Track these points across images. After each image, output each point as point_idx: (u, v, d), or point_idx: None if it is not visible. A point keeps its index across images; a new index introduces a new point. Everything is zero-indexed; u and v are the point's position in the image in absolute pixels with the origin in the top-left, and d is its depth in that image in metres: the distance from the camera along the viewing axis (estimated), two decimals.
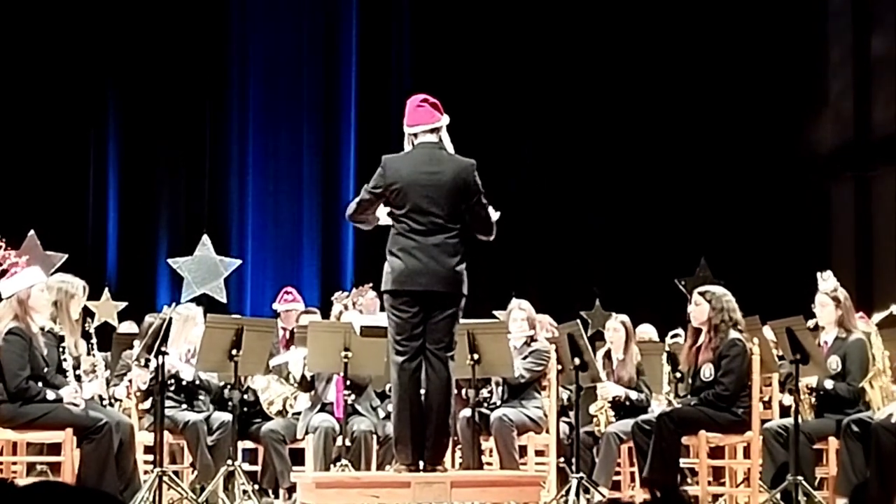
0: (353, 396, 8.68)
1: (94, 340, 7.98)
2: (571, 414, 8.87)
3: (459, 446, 8.66)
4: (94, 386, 7.78)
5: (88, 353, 7.92)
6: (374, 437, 8.67)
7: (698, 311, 7.94)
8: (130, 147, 13.11)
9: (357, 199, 6.97)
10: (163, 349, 7.92)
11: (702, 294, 7.97)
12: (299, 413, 8.98)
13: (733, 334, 7.81)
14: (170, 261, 12.06)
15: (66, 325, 7.61)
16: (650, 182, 13.62)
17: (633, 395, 9.08)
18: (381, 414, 8.82)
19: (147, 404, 8.72)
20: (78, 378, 7.60)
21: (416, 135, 6.95)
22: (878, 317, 8.34)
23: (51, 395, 7.40)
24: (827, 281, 8.39)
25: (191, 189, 13.30)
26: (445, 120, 6.98)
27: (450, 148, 6.96)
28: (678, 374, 8.17)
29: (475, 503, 7.66)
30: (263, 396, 9.11)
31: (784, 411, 8.63)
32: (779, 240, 13.47)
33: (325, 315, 9.70)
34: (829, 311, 8.29)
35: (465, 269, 6.80)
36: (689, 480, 8.64)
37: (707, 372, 7.83)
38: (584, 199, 13.66)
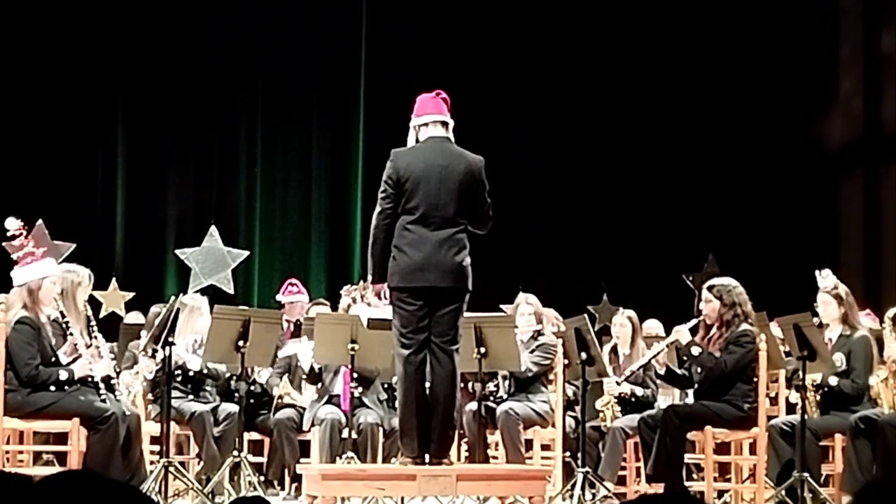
0: (360, 389, 8.69)
1: (93, 323, 7.88)
2: (577, 408, 8.87)
3: (465, 439, 8.67)
4: (103, 367, 7.74)
5: (90, 336, 7.86)
6: (381, 429, 8.67)
7: (710, 307, 7.90)
8: (139, 137, 13.10)
9: (378, 210, 6.81)
10: (170, 340, 7.93)
11: (710, 289, 7.93)
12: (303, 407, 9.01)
13: (744, 327, 7.81)
14: (177, 251, 12.06)
15: (71, 313, 7.60)
16: (659, 177, 13.59)
17: (639, 391, 9.07)
18: (388, 406, 8.83)
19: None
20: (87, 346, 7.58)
21: (425, 125, 6.90)
22: (892, 311, 8.30)
23: (63, 374, 7.42)
24: (826, 279, 8.38)
25: (199, 179, 13.28)
26: (452, 122, 6.98)
27: None
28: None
29: (480, 496, 7.68)
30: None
31: (790, 408, 8.63)
32: (787, 236, 13.44)
33: (334, 307, 9.70)
34: (831, 308, 8.29)
35: (472, 263, 6.80)
36: (694, 476, 8.64)
37: None
38: (591, 194, 13.64)
